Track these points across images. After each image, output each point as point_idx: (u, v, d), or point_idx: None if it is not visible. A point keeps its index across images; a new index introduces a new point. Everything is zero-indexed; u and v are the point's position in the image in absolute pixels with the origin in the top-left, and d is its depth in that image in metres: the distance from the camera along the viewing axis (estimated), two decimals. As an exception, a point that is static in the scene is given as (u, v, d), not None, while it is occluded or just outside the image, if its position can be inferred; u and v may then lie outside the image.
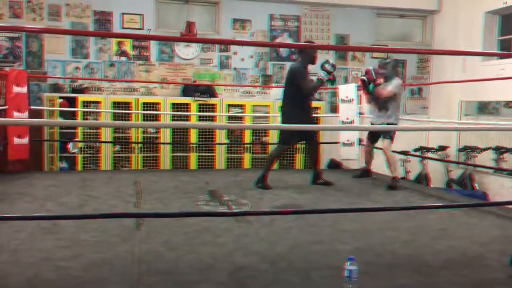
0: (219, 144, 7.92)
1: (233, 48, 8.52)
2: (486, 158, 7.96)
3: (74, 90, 7.75)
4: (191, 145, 7.84)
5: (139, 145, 7.67)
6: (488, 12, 8.19)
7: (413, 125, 7.61)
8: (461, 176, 8.19)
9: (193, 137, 7.83)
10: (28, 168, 6.72)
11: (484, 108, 8.97)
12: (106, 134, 7.57)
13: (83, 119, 7.45)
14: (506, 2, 7.80)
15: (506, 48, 8.13)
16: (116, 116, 7.39)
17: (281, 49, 8.81)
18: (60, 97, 7.49)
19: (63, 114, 7.37)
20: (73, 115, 7.38)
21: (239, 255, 3.10)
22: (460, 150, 8.45)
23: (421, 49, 9.31)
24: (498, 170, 7.80)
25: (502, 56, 8.05)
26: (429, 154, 8.21)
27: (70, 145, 7.55)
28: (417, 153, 8.16)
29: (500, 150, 7.87)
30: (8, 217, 3.73)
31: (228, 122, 8.07)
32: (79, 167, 7.47)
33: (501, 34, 8.26)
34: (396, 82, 5.81)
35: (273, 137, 8.12)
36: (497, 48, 8.27)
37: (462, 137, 8.54)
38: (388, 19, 9.39)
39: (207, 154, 7.94)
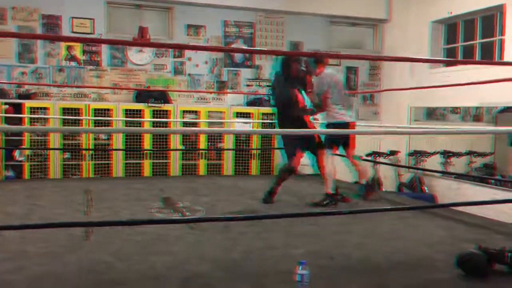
0: (173, 150, 7.81)
1: (187, 54, 8.45)
2: (434, 162, 8.26)
3: (21, 96, 7.45)
4: (144, 151, 7.69)
5: (90, 152, 7.45)
6: (434, 21, 8.53)
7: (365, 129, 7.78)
8: (411, 180, 8.45)
9: (147, 143, 7.69)
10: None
11: (432, 114, 9.31)
12: (55, 141, 7.31)
13: (31, 125, 7.16)
14: (451, 12, 8.15)
15: (451, 56, 8.48)
16: (65, 123, 7.13)
17: (235, 55, 8.81)
18: (5, 103, 7.17)
19: (8, 121, 7.05)
20: (19, 122, 7.08)
21: (193, 263, 3.06)
22: (409, 154, 8.73)
23: (371, 55, 9.57)
24: (445, 174, 8.11)
25: (447, 64, 8.38)
26: (381, 159, 8.43)
27: (16, 153, 7.23)
28: (369, 158, 8.35)
29: (447, 154, 8.21)
30: None
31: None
32: (26, 175, 7.17)
33: (446, 42, 8.62)
34: (317, 80, 5.17)
35: (228, 143, 8.10)
36: (443, 56, 8.63)
37: (412, 142, 8.83)
38: (341, 27, 9.60)
39: (161, 161, 7.81)
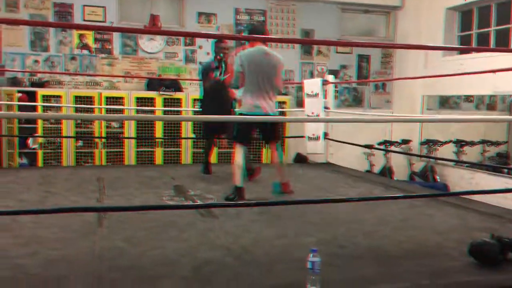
0: (185, 138, 7.84)
1: (198, 42, 8.44)
2: (447, 151, 8.19)
3: (34, 84, 7.51)
4: (156, 139, 7.73)
5: (103, 140, 7.50)
6: (449, 8, 8.40)
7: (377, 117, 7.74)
8: (423, 169, 8.40)
9: (159, 131, 7.72)
10: (-15, 164, 6.49)
11: (445, 102, 9.21)
12: (68, 129, 7.37)
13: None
14: (466, -1, 8.02)
15: (466, 43, 8.36)
16: (78, 111, 7.20)
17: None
18: (19, 91, 7.24)
19: (22, 109, 7.12)
20: (32, 110, 7.15)
21: (204, 250, 3.08)
22: (422, 143, 8.67)
23: (384, 43, 9.47)
24: (458, 163, 8.04)
25: (462, 52, 8.26)
26: (393, 148, 8.38)
27: (30, 141, 7.31)
28: (381, 147, 8.30)
29: (460, 143, 8.12)
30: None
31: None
32: (40, 163, 7.25)
33: (461, 30, 8.48)
34: (232, 60, 4.83)
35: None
36: (457, 44, 8.50)
37: (424, 131, 8.75)
38: (353, 15, 9.49)
39: (173, 149, 7.85)
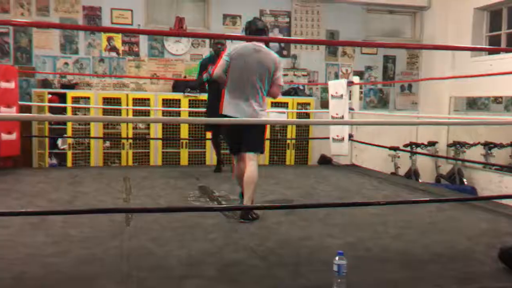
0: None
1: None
2: (475, 154, 8.03)
3: (64, 86, 7.68)
4: (182, 140, 7.81)
5: (129, 141, 7.62)
6: (477, 8, 8.24)
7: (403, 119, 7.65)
8: (450, 171, 8.25)
9: (184, 133, 7.80)
10: (17, 164, 6.65)
11: (473, 104, 9.04)
12: (96, 130, 7.52)
13: (73, 115, 7.40)
14: (495, -1, 7.86)
15: (495, 44, 8.19)
16: (106, 112, 7.33)
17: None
18: (50, 93, 7.42)
19: (52, 110, 7.30)
20: (62, 111, 7.32)
21: (229, 251, 3.10)
22: (449, 145, 8.52)
23: (410, 43, 9.36)
24: (487, 165, 7.87)
25: (490, 52, 8.10)
26: (419, 150, 8.27)
27: (59, 141, 7.48)
28: (407, 149, 8.20)
29: (488, 146, 7.95)
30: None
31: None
32: (69, 163, 7.41)
33: (490, 30, 8.32)
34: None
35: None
36: (486, 44, 8.33)
37: (451, 132, 8.61)
38: (378, 15, 9.41)
39: (198, 150, 7.92)
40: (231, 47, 4.13)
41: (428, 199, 4.79)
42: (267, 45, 4.10)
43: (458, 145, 8.26)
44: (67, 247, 3.07)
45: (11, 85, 6.11)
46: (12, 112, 6.00)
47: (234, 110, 3.91)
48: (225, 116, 3.95)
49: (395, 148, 7.53)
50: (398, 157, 8.37)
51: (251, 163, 3.90)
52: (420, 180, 7.96)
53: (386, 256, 3.06)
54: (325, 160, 7.86)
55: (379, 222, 3.84)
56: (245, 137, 3.97)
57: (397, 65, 9.43)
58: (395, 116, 8.54)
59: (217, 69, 4.06)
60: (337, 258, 2.45)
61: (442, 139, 8.65)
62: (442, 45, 8.20)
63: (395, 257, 3.05)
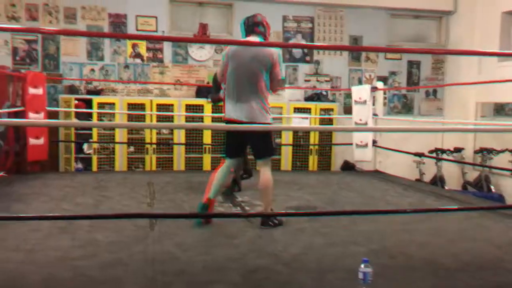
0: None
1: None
2: (503, 160, 7.85)
3: (90, 92, 7.82)
4: (205, 146, 7.85)
5: (153, 146, 7.70)
6: (505, 12, 8.08)
7: (428, 126, 7.54)
8: (477, 178, 8.09)
9: (207, 138, 7.84)
10: (44, 168, 6.80)
11: (500, 109, 8.85)
12: (121, 135, 7.63)
13: (98, 120, 7.53)
14: (523, 3, 7.70)
15: (523, 48, 8.02)
16: (130, 118, 7.43)
17: (294, 51, 8.79)
18: (76, 99, 7.57)
19: (78, 116, 7.44)
20: (88, 117, 7.45)
21: (253, 257, 3.10)
22: (476, 152, 8.35)
23: (435, 49, 9.24)
24: (515, 172, 7.69)
25: (519, 57, 7.93)
26: (445, 156, 8.13)
27: (85, 146, 7.61)
28: (433, 155, 8.07)
29: (517, 152, 7.77)
30: (24, 217, 3.79)
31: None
32: (94, 167, 7.53)
33: (518, 34, 8.15)
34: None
35: (286, 138, 8.12)
36: (514, 49, 8.17)
37: (478, 139, 8.44)
38: (402, 20, 9.32)
39: (221, 156, 7.94)
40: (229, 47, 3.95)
41: (456, 207, 4.70)
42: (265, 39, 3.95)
43: (485, 152, 8.09)
44: (93, 251, 3.12)
45: (39, 91, 6.25)
46: (40, 118, 6.14)
47: (234, 111, 3.76)
48: (228, 119, 3.82)
49: (420, 154, 7.42)
50: (423, 163, 8.25)
51: (264, 169, 3.82)
52: (446, 187, 7.83)
53: (412, 264, 3.02)
54: (348, 166, 7.81)
55: (404, 230, 3.78)
56: (251, 144, 3.90)
57: (422, 70, 9.31)
58: (420, 122, 8.42)
59: (218, 70, 4.02)
60: (362, 265, 2.42)
61: (469, 145, 8.48)
62: (470, 51, 8.04)
63: (421, 265, 3.00)
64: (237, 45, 3.90)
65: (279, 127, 8.40)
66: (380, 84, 7.30)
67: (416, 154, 7.32)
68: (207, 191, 3.89)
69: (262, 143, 3.80)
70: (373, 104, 6.86)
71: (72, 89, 7.80)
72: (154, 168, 7.66)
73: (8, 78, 6.03)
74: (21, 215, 3.94)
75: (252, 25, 3.89)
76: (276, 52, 3.79)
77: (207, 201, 3.85)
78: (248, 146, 4.11)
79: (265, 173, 3.79)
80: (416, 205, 4.86)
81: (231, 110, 3.77)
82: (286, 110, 8.08)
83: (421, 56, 9.25)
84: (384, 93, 8.23)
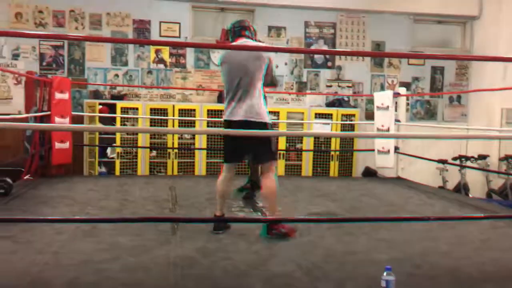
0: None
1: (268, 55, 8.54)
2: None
3: (114, 97, 7.95)
4: (225, 151, 7.87)
5: (175, 150, 7.78)
6: (532, 17, 7.95)
7: (451, 132, 7.43)
8: (502, 186, 7.92)
9: (228, 143, 7.86)
10: (69, 172, 6.92)
11: (527, 116, 8.67)
12: (143, 140, 7.72)
13: (122, 124, 7.63)
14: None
15: (551, 54, 7.84)
16: (153, 122, 7.52)
17: (316, 56, 8.78)
18: (100, 104, 7.70)
19: (102, 120, 7.56)
20: (112, 121, 7.57)
21: (274, 263, 3.10)
22: (501, 159, 8.19)
23: (459, 55, 9.12)
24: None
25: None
26: (469, 163, 7.99)
27: (109, 150, 7.73)
28: (456, 162, 7.95)
29: (544, 160, 7.60)
30: (50, 220, 3.87)
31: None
32: (117, 171, 7.63)
33: (545, 39, 7.98)
34: None
35: (307, 144, 8.10)
36: (541, 54, 7.99)
37: (503, 146, 8.27)
38: (426, 25, 9.22)
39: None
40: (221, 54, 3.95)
41: (481, 215, 4.61)
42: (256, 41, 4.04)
43: (510, 159, 7.93)
44: (116, 254, 3.16)
45: (65, 96, 6.38)
46: (65, 122, 6.26)
47: (230, 114, 3.73)
48: (226, 121, 3.78)
49: (443, 161, 7.32)
50: (447, 170, 8.13)
51: (267, 174, 3.70)
52: (470, 195, 7.69)
53: (435, 273, 2.97)
54: (369, 173, 7.74)
55: (428, 238, 3.73)
56: (252, 149, 3.75)
57: (446, 76, 9.20)
58: (443, 129, 8.30)
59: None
60: (385, 273, 2.40)
61: (494, 152, 8.33)
62: (495, 57, 7.90)
63: (445, 274, 2.96)
64: (226, 53, 3.88)
65: (300, 132, 8.40)
66: (402, 90, 7.24)
67: (439, 161, 7.22)
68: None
69: (263, 147, 3.69)
70: (396, 110, 6.80)
71: (96, 94, 7.94)
72: (175, 172, 7.73)
73: (35, 83, 6.18)
74: (47, 217, 4.02)
75: (239, 29, 3.94)
76: (268, 54, 3.85)
77: (219, 215, 3.83)
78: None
79: (268, 178, 3.69)
80: (439, 213, 4.79)
81: (228, 110, 3.76)
82: (307, 116, 8.07)
83: (445, 62, 9.14)
84: (407, 99, 8.15)
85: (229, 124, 3.73)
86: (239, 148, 3.77)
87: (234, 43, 3.92)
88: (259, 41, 4.36)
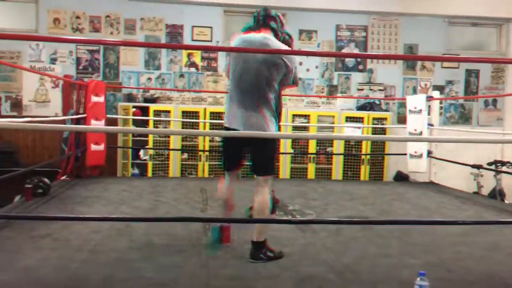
0: (283, 153, 7.95)
1: (298, 58, 8.55)
2: None
3: (146, 100, 8.11)
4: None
5: (206, 153, 7.86)
6: None
7: (487, 137, 7.26)
8: (541, 193, 7.69)
9: (258, 146, 7.89)
10: (103, 173, 7.09)
11: None
12: (175, 142, 7.84)
13: (154, 127, 7.77)
14: None
15: None
16: (184, 125, 7.63)
17: (347, 60, 8.74)
18: (134, 107, 7.87)
19: (136, 123, 7.73)
20: (145, 124, 7.72)
21: (305, 265, 3.10)
22: (539, 164, 7.94)
23: (494, 58, 8.91)
24: None
25: None
26: (505, 169, 7.78)
27: (141, 152, 7.88)
28: (491, 167, 7.75)
29: None
30: (86, 218, 3.98)
31: (293, 132, 8.07)
32: (149, 173, 7.77)
33: None
34: None
35: (338, 147, 8.06)
36: None
37: (542, 151, 8.04)
38: (460, 28, 9.05)
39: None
40: (236, 38, 3.36)
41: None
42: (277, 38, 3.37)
43: (549, 164, 7.69)
44: (149, 253, 3.23)
45: (101, 99, 6.55)
46: (100, 125, 6.43)
47: (231, 120, 3.21)
48: (226, 126, 3.27)
49: (478, 166, 7.14)
50: (481, 175, 7.93)
51: (261, 189, 3.17)
52: (506, 201, 7.48)
53: (470, 279, 2.92)
54: (401, 177, 7.64)
55: (462, 243, 3.66)
56: (251, 158, 3.26)
57: (481, 79, 8.99)
58: (478, 133, 8.11)
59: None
60: (418, 278, 2.38)
61: (531, 157, 8.09)
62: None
63: (479, 280, 2.90)
64: (246, 36, 3.29)
65: (330, 135, 8.36)
66: (436, 93, 7.12)
67: (473, 166, 7.05)
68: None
69: (265, 157, 3.22)
70: (428, 114, 6.69)
71: (130, 97, 8.12)
72: (206, 175, 7.81)
73: (72, 87, 6.37)
74: (84, 216, 4.14)
75: (264, 18, 3.35)
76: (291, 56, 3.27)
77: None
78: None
79: (262, 193, 3.17)
80: (473, 218, 4.69)
81: (229, 118, 3.22)
82: (338, 119, 8.04)
83: (480, 65, 8.94)
84: (440, 103, 8.01)
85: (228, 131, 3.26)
86: (239, 155, 3.35)
87: (254, 33, 3.28)
88: (286, 34, 3.78)
